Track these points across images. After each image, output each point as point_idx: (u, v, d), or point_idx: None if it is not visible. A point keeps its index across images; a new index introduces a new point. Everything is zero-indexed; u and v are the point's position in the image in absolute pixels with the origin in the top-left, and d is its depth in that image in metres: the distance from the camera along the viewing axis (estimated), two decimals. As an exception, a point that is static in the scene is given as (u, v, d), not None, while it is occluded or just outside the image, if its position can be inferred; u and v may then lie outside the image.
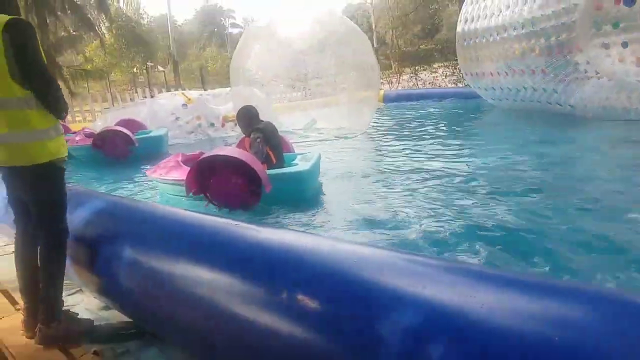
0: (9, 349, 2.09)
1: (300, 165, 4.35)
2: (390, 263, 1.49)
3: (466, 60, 10.58)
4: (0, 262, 3.15)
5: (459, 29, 10.26)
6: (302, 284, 1.50)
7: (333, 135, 7.90)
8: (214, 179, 3.93)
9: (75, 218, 2.48)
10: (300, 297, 1.46)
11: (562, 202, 3.84)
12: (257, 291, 1.58)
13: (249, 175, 3.84)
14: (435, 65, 16.87)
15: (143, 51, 33.62)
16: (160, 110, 8.62)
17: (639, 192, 4.02)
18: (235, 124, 9.18)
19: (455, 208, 3.79)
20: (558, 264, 2.62)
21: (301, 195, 4.20)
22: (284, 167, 4.35)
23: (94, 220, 2.48)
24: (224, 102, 9.41)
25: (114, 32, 29.87)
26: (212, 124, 8.99)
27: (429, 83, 17.00)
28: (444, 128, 8.54)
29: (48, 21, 15.13)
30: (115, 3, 27.46)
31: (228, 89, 10.59)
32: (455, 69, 15.64)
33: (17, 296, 2.60)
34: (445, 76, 16.27)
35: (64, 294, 2.26)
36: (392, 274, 1.40)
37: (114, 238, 2.29)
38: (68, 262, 2.33)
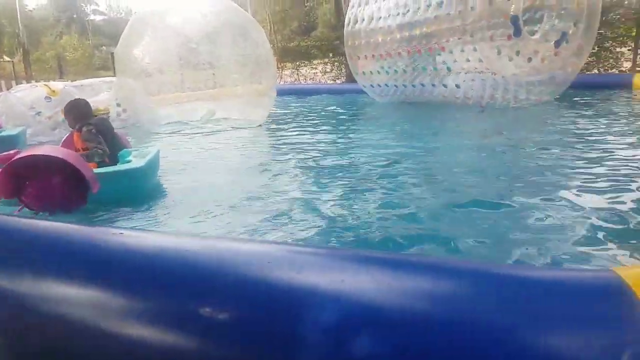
0: None
1: (135, 161, 4.13)
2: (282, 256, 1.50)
3: (353, 59, 10.97)
4: None
5: (346, 29, 10.56)
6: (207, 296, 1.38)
7: (229, 126, 7.83)
8: (32, 180, 3.56)
9: None
10: (205, 309, 1.34)
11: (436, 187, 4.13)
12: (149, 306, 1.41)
13: (73, 175, 3.55)
14: (315, 62, 17.05)
15: (-16, 37, 29.61)
16: (18, 104, 7.50)
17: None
18: (107, 116, 8.47)
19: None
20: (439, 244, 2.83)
21: (136, 193, 4.02)
22: (117, 165, 4.14)
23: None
24: (94, 94, 8.51)
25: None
26: None
27: (310, 79, 17.21)
28: (332, 122, 8.81)
29: None
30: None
31: (99, 79, 9.74)
32: (334, 65, 15.88)
33: None
34: (324, 73, 16.52)
35: None
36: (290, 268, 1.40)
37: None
38: None
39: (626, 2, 12.12)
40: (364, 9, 10.21)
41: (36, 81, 15.72)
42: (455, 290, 1.25)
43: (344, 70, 15.64)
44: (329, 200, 3.77)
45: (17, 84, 14.09)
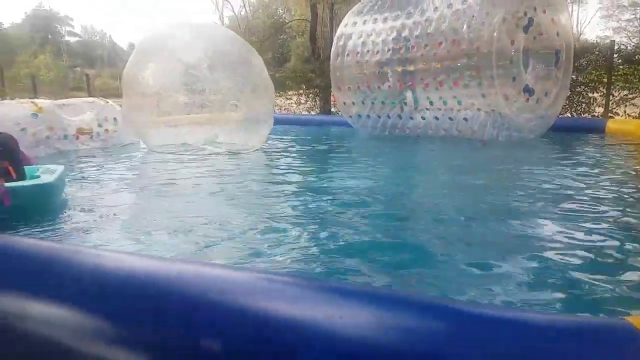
0: None
1: (44, 177, 4.29)
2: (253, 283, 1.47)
3: (336, 90, 11.24)
4: None
5: (332, 62, 10.89)
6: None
7: (227, 150, 7.95)
8: None
9: None
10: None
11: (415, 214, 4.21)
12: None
13: None
14: (290, 93, 17.53)
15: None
16: (4, 119, 7.68)
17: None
18: (91, 137, 8.89)
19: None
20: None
21: (46, 207, 4.13)
22: (25, 181, 4.23)
23: None
24: (77, 113, 8.77)
25: None
26: (65, 136, 8.27)
27: (285, 109, 17.59)
28: (320, 151, 8.98)
29: None
30: None
31: (81, 99, 9.79)
32: (308, 97, 16.45)
33: None
34: (299, 104, 16.98)
35: None
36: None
37: None
38: None
39: (596, 50, 12.75)
40: (349, 42, 10.53)
41: (11, 99, 15.79)
42: (466, 334, 1.20)
43: (318, 102, 16.26)
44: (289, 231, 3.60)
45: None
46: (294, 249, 3.20)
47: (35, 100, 8.61)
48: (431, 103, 9.59)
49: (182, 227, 3.73)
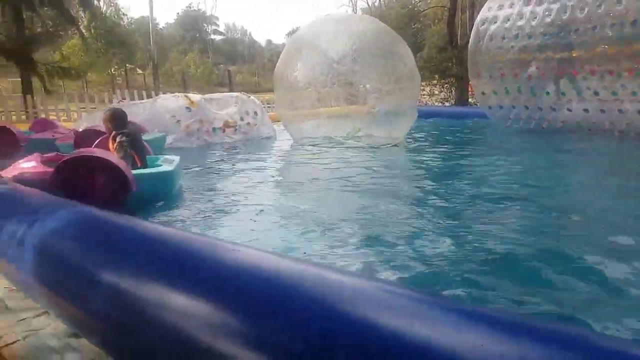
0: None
1: (165, 166, 4.53)
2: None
3: (474, 78, 10.41)
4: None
5: (471, 48, 10.14)
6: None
7: (366, 143, 7.83)
8: (81, 177, 3.86)
9: (42, 231, 2.13)
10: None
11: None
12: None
13: (114, 175, 3.86)
14: (422, 84, 17.00)
15: (122, 52, 33.06)
16: (163, 112, 8.37)
17: None
18: (235, 130, 9.34)
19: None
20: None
21: (166, 194, 4.36)
22: (148, 168, 4.48)
23: (61, 235, 2.12)
24: (224, 107, 9.25)
25: (92, 31, 29.29)
26: (214, 129, 8.72)
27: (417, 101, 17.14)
28: (468, 146, 8.35)
29: (25, 15, 14.65)
30: (95, 2, 26.91)
31: (227, 94, 10.34)
32: (443, 87, 15.73)
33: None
34: (432, 95, 16.32)
35: (29, 314, 2.16)
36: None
37: (84, 256, 1.93)
38: (33, 281, 2.02)
39: None
40: (492, 27, 9.63)
41: (163, 92, 17.16)
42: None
43: (453, 93, 15.43)
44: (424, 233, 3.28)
45: (146, 95, 15.51)
46: (431, 256, 2.82)
47: (189, 95, 9.15)
48: (596, 93, 8.41)
49: (315, 224, 3.55)
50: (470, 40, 10.18)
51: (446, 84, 15.88)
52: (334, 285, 1.37)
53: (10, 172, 4.48)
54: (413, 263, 2.73)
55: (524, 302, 2.25)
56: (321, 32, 8.20)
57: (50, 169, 4.07)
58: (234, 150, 7.84)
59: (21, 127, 8.24)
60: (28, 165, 4.54)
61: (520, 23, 9.19)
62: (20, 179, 4.21)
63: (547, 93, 9.09)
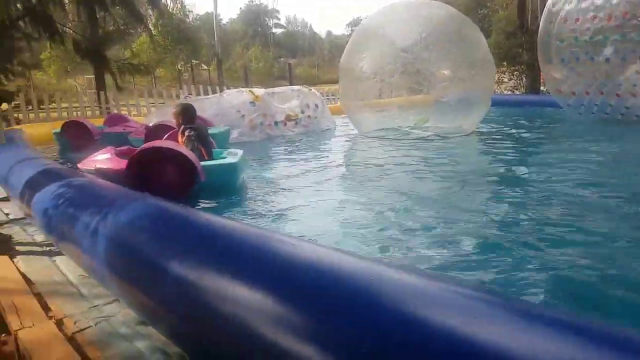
0: (35, 366, 1.85)
1: (230, 158, 4.66)
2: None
3: (544, 64, 9.91)
4: (35, 261, 2.93)
5: (541, 31, 9.57)
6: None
7: (435, 134, 7.64)
8: (154, 168, 4.11)
9: (115, 222, 2.21)
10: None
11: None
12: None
13: (184, 166, 4.10)
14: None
15: (188, 49, 34.14)
16: (228, 106, 8.57)
17: None
18: (296, 123, 9.38)
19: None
20: None
21: (231, 185, 4.51)
22: (214, 160, 4.66)
23: (133, 226, 2.19)
24: (286, 101, 9.34)
25: (159, 28, 30.40)
26: (276, 123, 8.82)
27: None
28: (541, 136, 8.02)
29: (98, 15, 15.38)
30: (162, 0, 27.86)
31: (289, 87, 10.41)
32: (512, 75, 15.03)
33: (52, 300, 2.38)
34: (501, 83, 15.61)
35: (101, 301, 2.29)
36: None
37: (153, 248, 1.98)
38: (105, 270, 2.11)
39: None
40: (565, 7, 9.02)
41: (227, 87, 17.54)
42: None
43: (524, 80, 14.69)
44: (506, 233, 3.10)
45: (211, 90, 15.91)
46: (503, 259, 2.65)
47: (253, 89, 9.29)
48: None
49: (373, 219, 3.48)
50: (540, 23, 9.64)
51: (516, 71, 15.14)
52: (408, 286, 1.31)
53: (86, 164, 4.74)
54: (500, 267, 2.56)
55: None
56: (388, 20, 8.05)
57: (124, 161, 4.31)
58: (297, 143, 7.88)
59: (95, 122, 8.67)
60: (103, 157, 4.77)
61: (599, 2, 8.56)
62: (96, 171, 4.46)
63: (626, 78, 8.45)
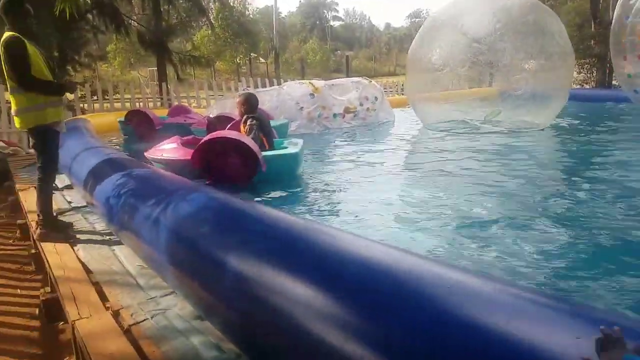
0: (91, 358, 1.82)
1: (291, 148, 4.72)
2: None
3: (617, 59, 9.40)
4: (94, 250, 2.95)
5: (614, 25, 9.00)
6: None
7: (507, 128, 7.35)
8: (218, 157, 4.25)
9: (176, 213, 2.16)
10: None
11: None
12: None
13: (246, 155, 4.21)
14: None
15: (247, 42, 34.62)
16: (288, 99, 8.57)
17: None
18: (355, 115, 9.28)
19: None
20: None
21: (292, 174, 4.61)
22: (275, 150, 4.70)
23: (194, 218, 2.13)
24: (345, 93, 9.25)
25: (220, 21, 30.96)
26: (334, 115, 8.74)
27: None
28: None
29: (162, 8, 15.80)
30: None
31: (348, 79, 10.24)
32: (582, 68, 14.24)
33: (110, 290, 2.38)
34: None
35: (158, 293, 2.28)
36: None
37: (213, 241, 1.92)
38: (164, 261, 2.11)
39: None
40: (637, 2, 8.60)
41: (284, 80, 17.61)
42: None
43: (594, 74, 13.84)
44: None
45: (269, 83, 16.01)
46: (567, 260, 2.53)
47: (313, 81, 9.21)
48: None
49: (429, 218, 3.35)
50: (614, 16, 9.06)
51: (586, 64, 14.31)
52: (465, 287, 1.22)
53: (153, 153, 4.85)
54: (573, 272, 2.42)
55: None
56: (461, 10, 7.81)
57: (190, 150, 4.47)
58: (356, 136, 7.76)
59: (158, 113, 8.88)
60: (170, 147, 4.91)
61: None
62: (163, 160, 4.64)
63: None
